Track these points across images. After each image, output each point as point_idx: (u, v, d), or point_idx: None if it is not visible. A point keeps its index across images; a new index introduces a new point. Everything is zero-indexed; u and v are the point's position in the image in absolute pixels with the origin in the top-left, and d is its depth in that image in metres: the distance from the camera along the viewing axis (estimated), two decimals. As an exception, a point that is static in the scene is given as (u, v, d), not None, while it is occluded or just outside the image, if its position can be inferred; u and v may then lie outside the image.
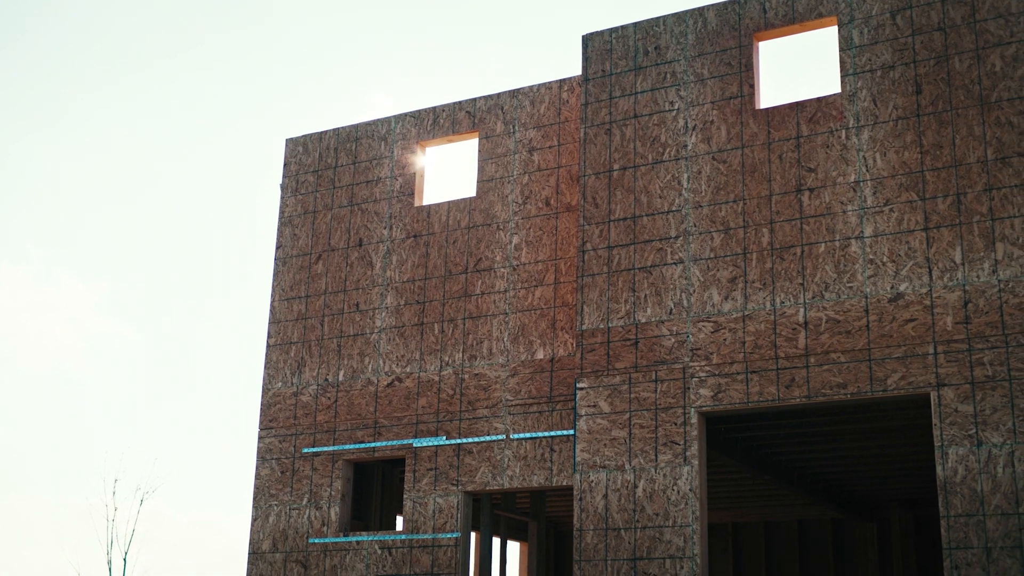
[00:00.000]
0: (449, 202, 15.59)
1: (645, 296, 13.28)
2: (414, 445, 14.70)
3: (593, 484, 13.01)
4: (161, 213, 76.82)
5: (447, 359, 14.84)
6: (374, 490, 16.42)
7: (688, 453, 12.59)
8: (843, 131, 12.70)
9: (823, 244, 12.48)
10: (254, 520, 15.62)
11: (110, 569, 41.79)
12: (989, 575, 10.94)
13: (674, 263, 13.21)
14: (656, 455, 12.74)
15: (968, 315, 11.61)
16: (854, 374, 11.98)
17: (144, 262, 74.97)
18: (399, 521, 21.47)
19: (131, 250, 75.23)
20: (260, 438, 15.93)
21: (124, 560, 41.87)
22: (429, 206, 15.72)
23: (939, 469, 11.40)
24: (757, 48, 13.62)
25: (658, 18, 14.09)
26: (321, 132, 16.94)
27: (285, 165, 17.13)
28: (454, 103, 16.00)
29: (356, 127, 16.66)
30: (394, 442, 14.87)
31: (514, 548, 25.41)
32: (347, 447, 15.18)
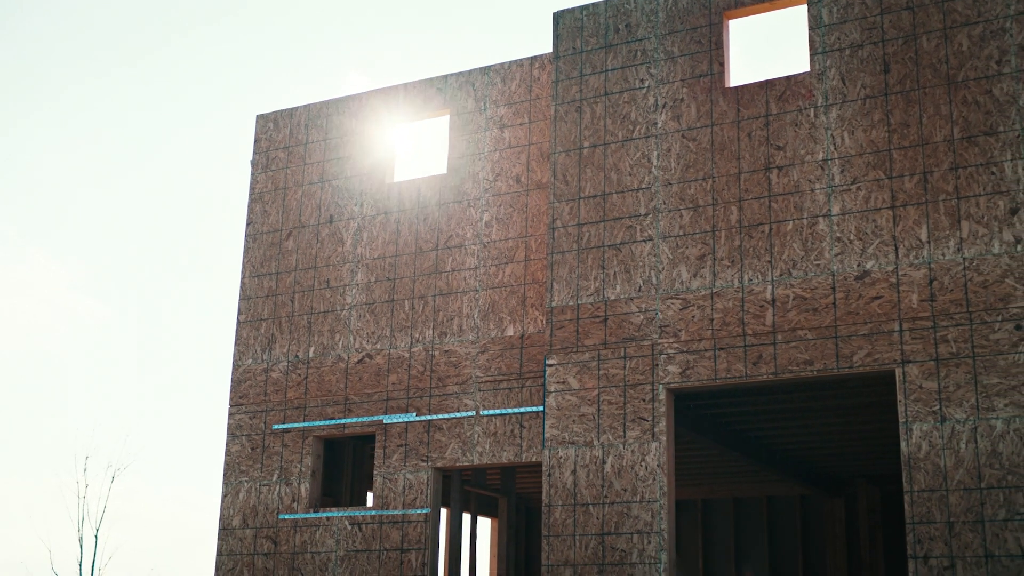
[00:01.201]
0: (420, 179, 15.60)
1: (614, 273, 13.35)
2: (384, 421, 14.75)
3: (562, 460, 13.09)
4: (134, 190, 76.34)
5: (417, 336, 14.87)
6: (345, 466, 16.46)
7: (656, 429, 12.68)
8: (812, 110, 12.77)
9: (791, 222, 12.57)
10: (224, 496, 15.64)
11: (81, 546, 41.72)
12: (951, 549, 11.09)
13: (643, 240, 13.27)
14: (624, 431, 12.82)
15: (933, 293, 11.72)
16: (820, 351, 12.09)
17: (117, 240, 74.52)
18: (370, 497, 21.51)
19: (105, 228, 74.76)
20: (230, 414, 15.93)
21: (95, 537, 41.79)
22: (400, 183, 15.72)
23: (903, 445, 11.53)
24: (727, 26, 13.65)
25: (629, -4, 14.10)
26: (292, 108, 16.89)
27: (256, 141, 17.08)
28: (425, 80, 15.98)
29: (327, 103, 16.62)
30: (364, 418, 14.91)
31: (485, 524, 25.52)
32: (317, 423, 15.20)
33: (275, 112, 17.00)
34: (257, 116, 17.17)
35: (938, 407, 11.44)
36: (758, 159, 12.92)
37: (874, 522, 21.75)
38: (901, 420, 11.58)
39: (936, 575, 11.10)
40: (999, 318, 11.38)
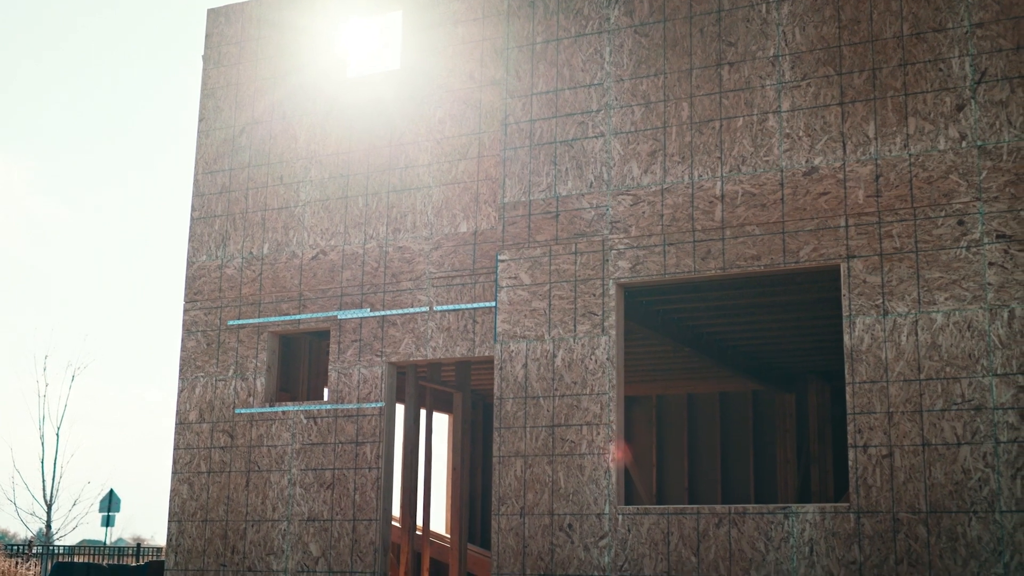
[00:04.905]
0: (374, 75, 15.50)
1: (566, 169, 13.40)
2: (339, 317, 14.85)
3: (513, 354, 13.26)
4: (90, 90, 75.27)
5: (371, 232, 14.92)
6: (301, 362, 16.59)
7: (606, 324, 12.86)
8: (763, 5, 12.76)
9: (741, 118, 12.64)
10: (180, 392, 15.76)
11: (43, 444, 41.84)
12: (890, 439, 11.40)
13: (595, 136, 13.31)
14: (575, 326, 13.00)
15: (879, 189, 11.88)
16: (768, 246, 12.26)
17: (75, 141, 73.69)
18: (327, 393, 21.69)
19: (62, 130, 73.84)
20: (185, 311, 15.98)
21: (57, 435, 41.91)
22: (353, 79, 15.62)
23: (846, 338, 11.78)
24: (681, -80, 13.55)
25: None
26: (243, 2, 16.67)
27: (207, 36, 16.87)
28: (378, -27, 15.79)
29: (279, -3, 16.40)
30: (319, 314, 15.00)
31: (442, 420, 25.82)
32: (272, 319, 15.29)
33: (226, 6, 16.77)
34: (208, 11, 16.94)
35: (881, 301, 11.67)
36: (710, 55, 12.93)
37: (823, 416, 22.21)
38: (845, 314, 11.80)
39: (875, 463, 11.42)
40: (942, 213, 11.56)
